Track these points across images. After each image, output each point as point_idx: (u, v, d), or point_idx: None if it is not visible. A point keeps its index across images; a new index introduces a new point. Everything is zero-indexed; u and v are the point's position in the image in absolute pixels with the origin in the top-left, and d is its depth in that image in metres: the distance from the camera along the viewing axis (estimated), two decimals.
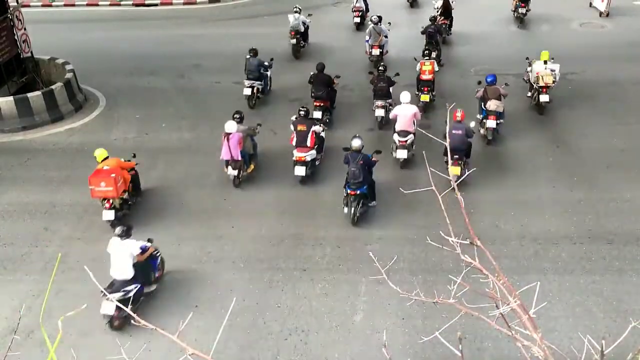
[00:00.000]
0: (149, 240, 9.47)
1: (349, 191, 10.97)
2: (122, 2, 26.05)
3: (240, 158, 12.18)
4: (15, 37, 16.22)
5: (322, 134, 13.14)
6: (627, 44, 19.16)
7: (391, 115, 13.27)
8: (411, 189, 10.90)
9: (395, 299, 9.16)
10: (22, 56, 16.59)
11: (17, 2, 17.12)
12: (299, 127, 12.45)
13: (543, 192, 11.90)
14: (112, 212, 10.85)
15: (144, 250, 9.16)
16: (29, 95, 15.24)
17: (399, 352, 8.43)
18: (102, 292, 7.61)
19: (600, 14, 21.96)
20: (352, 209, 10.99)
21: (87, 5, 26.18)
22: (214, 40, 20.94)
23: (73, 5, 26.26)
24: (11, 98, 15.06)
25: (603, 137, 13.83)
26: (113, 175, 10.62)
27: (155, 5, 25.79)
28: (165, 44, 20.56)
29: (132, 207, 11.57)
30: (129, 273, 8.91)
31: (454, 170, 11.38)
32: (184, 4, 25.71)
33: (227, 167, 12.28)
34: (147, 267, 9.43)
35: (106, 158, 11.10)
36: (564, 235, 10.68)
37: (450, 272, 9.34)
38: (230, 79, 17.59)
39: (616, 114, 14.83)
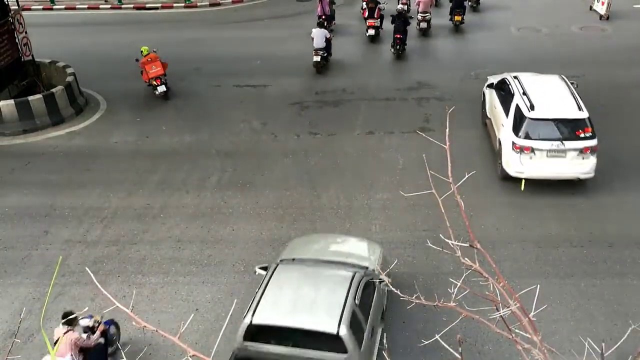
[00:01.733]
0: (331, 31, 19.40)
1: (395, 36, 18.84)
2: (123, 6, 26.11)
3: (329, 14, 20.83)
4: (16, 41, 16.26)
5: (382, 12, 20.47)
6: (627, 47, 19.18)
7: (415, 1, 20.93)
8: (411, 192, 10.89)
9: (395, 302, 9.15)
10: (23, 59, 16.62)
11: (18, 5, 17.16)
12: (370, 5, 20.13)
13: (543, 195, 11.89)
14: (163, 86, 16.47)
15: (330, 36, 18.19)
16: (30, 98, 15.26)
17: (400, 355, 8.42)
18: (313, 50, 17.75)
19: (601, 17, 21.98)
20: (397, 47, 18.94)
21: (88, 8, 26.25)
22: (215, 44, 20.99)
23: (74, 8, 26.32)
24: (12, 101, 15.09)
25: (604, 140, 13.78)
26: (159, 60, 16.49)
27: (156, 8, 25.85)
28: (165, 47, 20.54)
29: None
30: (323, 44, 17.78)
31: (457, 17, 20.95)
32: (185, 7, 25.77)
33: (318, 21, 19.17)
34: (329, 45, 18.19)
35: (148, 53, 16.62)
36: (565, 238, 10.68)
37: (450, 275, 9.32)
38: (230, 82, 17.63)
39: (617, 117, 14.81)
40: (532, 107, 11.56)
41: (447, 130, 4.07)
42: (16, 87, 16.43)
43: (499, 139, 12.43)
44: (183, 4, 25.84)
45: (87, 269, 10.01)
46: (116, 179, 12.99)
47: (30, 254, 10.77)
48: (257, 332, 7.35)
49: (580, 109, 11.65)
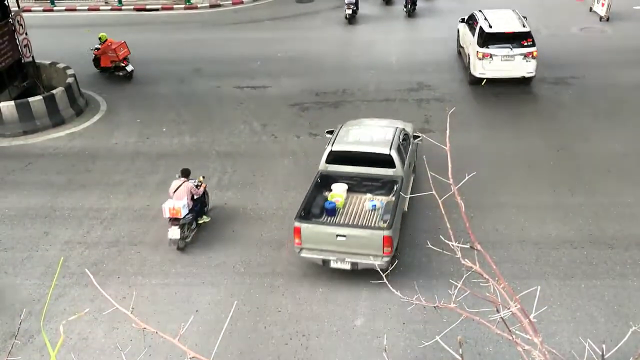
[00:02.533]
0: None
1: None
2: (123, 7, 26.12)
3: None
4: (17, 42, 16.27)
5: None
6: (627, 49, 19.17)
7: None
8: (412, 192, 10.91)
9: (395, 304, 9.15)
10: (23, 61, 16.63)
11: (19, 6, 17.17)
12: None
13: (544, 196, 11.89)
14: (130, 66, 17.65)
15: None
16: (30, 99, 15.26)
17: (400, 357, 8.42)
18: (345, 5, 21.91)
19: (601, 18, 21.98)
20: (409, 6, 22.68)
21: (89, 10, 26.26)
22: (215, 45, 20.99)
23: (74, 10, 26.33)
24: (12, 102, 15.09)
25: (604, 141, 13.83)
26: (124, 42, 17.80)
27: (157, 10, 25.85)
28: (166, 48, 20.61)
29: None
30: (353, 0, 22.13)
31: None
32: (185, 8, 25.78)
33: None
34: (357, 1, 22.38)
35: (107, 39, 17.81)
36: (565, 239, 10.67)
37: (450, 276, 9.32)
38: (231, 83, 17.63)
39: (617, 118, 14.82)
40: (490, 26, 16.20)
41: (448, 131, 4.06)
42: (16, 88, 16.44)
43: (468, 54, 17.11)
44: (183, 6, 25.85)
45: (86, 270, 10.00)
46: (116, 180, 12.99)
47: (31, 255, 10.77)
48: (334, 158, 10.93)
49: (524, 26, 16.23)
